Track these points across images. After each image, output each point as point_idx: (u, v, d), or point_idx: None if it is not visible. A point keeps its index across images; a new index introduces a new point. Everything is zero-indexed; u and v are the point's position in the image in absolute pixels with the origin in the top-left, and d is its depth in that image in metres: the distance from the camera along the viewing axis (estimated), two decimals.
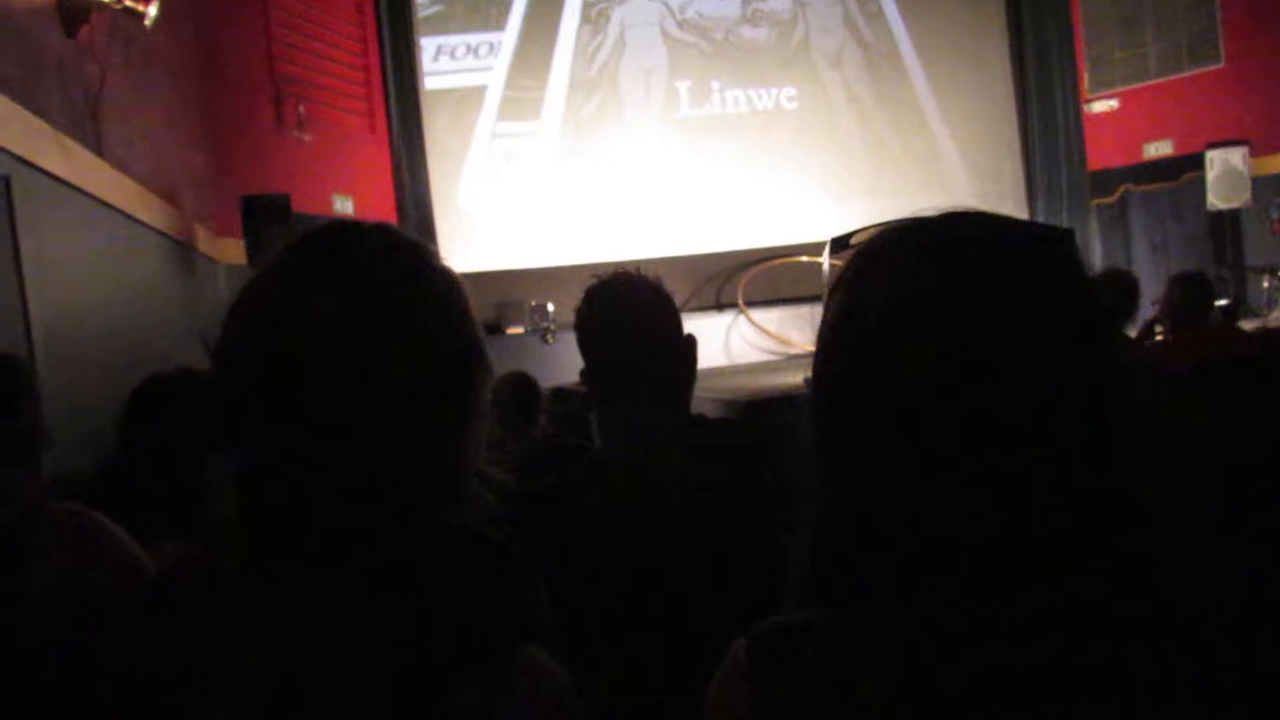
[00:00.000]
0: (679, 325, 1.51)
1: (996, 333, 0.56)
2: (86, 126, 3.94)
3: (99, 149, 3.99)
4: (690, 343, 1.50)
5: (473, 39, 9.47)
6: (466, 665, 0.63)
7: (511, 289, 8.78)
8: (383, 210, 8.20)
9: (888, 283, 0.61)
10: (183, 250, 5.18)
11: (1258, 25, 8.80)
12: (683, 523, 1.26)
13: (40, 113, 3.37)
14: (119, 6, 4.11)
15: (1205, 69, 9.19)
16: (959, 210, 0.65)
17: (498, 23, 9.55)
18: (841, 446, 0.61)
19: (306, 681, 0.62)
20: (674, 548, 1.25)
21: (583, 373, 1.50)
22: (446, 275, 0.78)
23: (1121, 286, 3.42)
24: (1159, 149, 9.54)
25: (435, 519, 0.71)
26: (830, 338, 0.64)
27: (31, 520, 1.31)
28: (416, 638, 0.63)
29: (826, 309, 0.66)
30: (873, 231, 0.69)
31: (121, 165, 4.23)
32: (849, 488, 0.60)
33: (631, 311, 1.46)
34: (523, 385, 3.35)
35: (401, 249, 0.76)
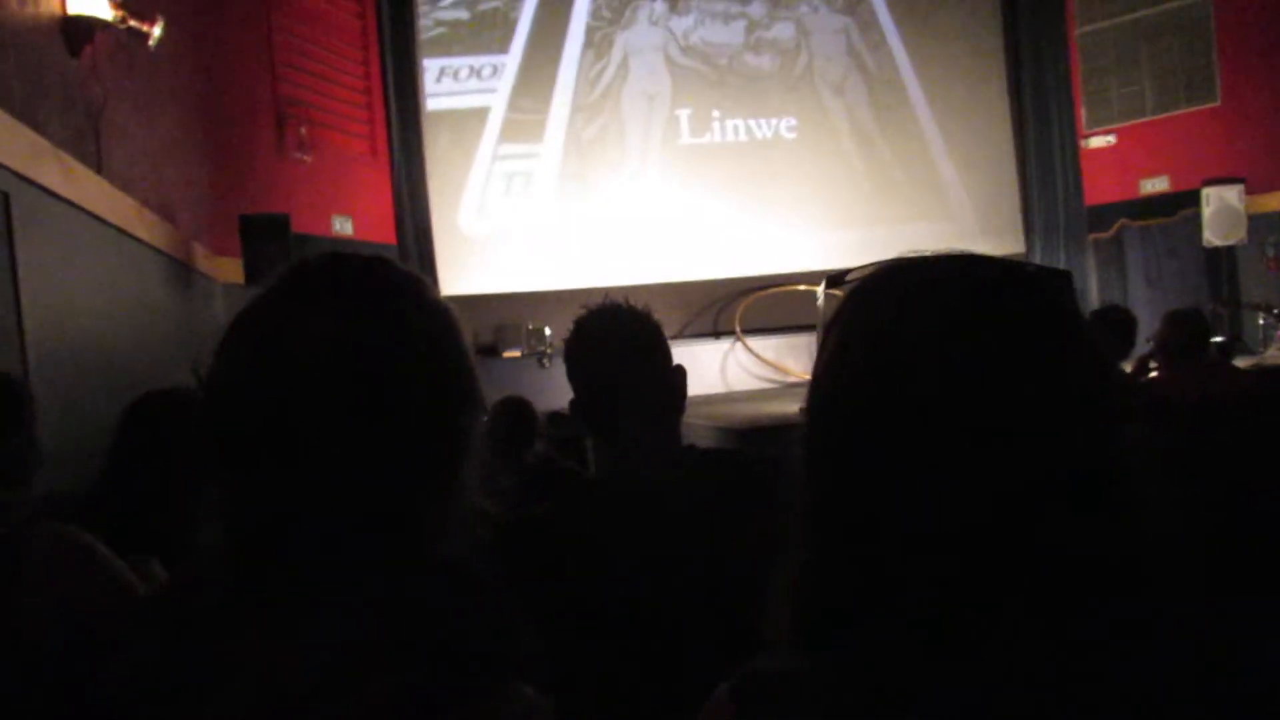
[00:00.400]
0: (668, 356, 1.50)
1: (990, 371, 0.56)
2: (88, 144, 3.95)
3: (99, 167, 4.00)
4: (679, 374, 1.50)
5: (475, 61, 9.53)
6: (449, 699, 0.62)
7: (509, 312, 8.79)
8: (382, 231, 8.22)
9: (883, 318, 0.61)
10: (181, 268, 5.19)
11: (1254, 64, 8.89)
12: (674, 552, 1.25)
13: (41, 130, 3.38)
14: (123, 27, 4.14)
15: (1202, 106, 9.27)
16: (956, 251, 0.65)
17: (501, 46, 9.62)
18: (832, 484, 0.61)
19: (289, 710, 0.61)
20: (665, 576, 1.24)
21: (572, 403, 1.50)
22: (441, 308, 0.77)
23: (1117, 322, 3.43)
24: (1156, 185, 9.60)
25: (425, 551, 0.70)
26: (825, 372, 0.63)
27: (21, 540, 1.30)
28: (399, 670, 0.62)
29: (822, 345, 0.66)
30: (870, 269, 0.69)
31: (122, 183, 4.24)
32: (837, 528, 0.60)
33: (620, 343, 1.46)
34: (517, 410, 3.34)
35: (397, 281, 0.76)
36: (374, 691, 0.61)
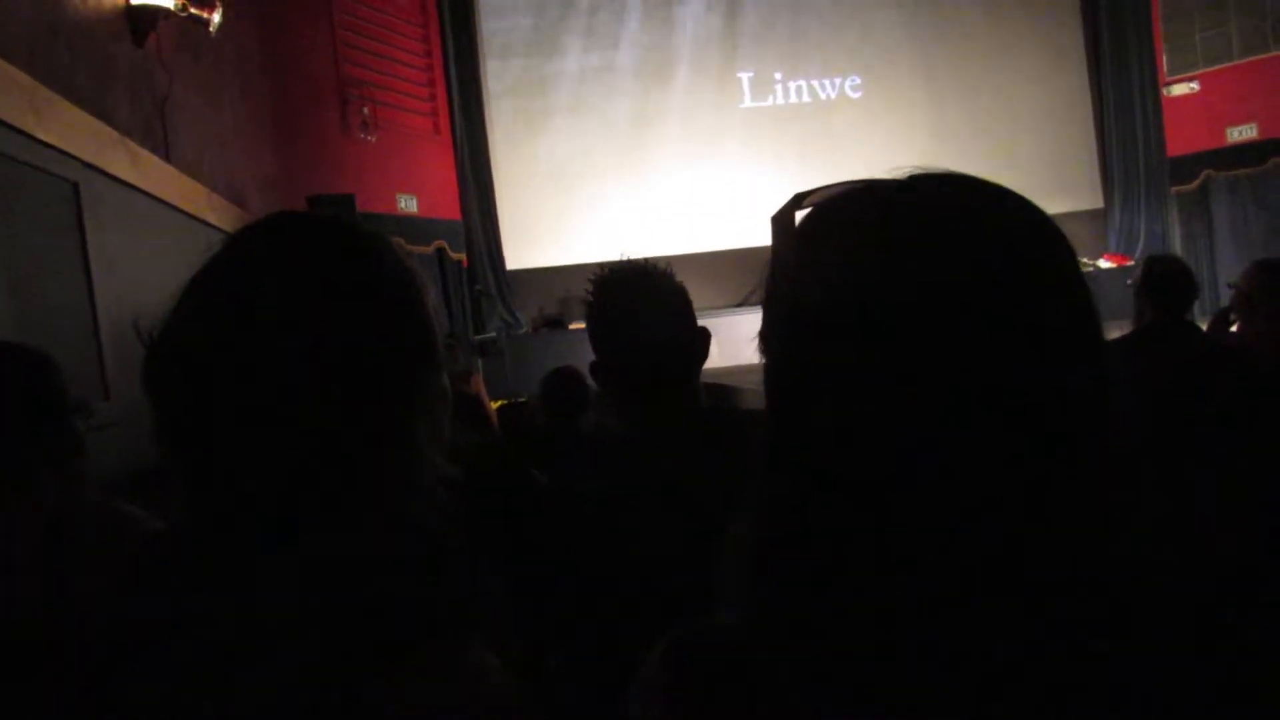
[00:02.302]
0: (692, 319, 1.48)
1: (964, 297, 0.52)
2: (154, 132, 4.06)
3: (166, 153, 4.11)
4: (703, 337, 1.48)
5: (537, 36, 9.53)
6: (393, 659, 0.62)
7: (574, 283, 8.81)
8: (446, 208, 8.31)
9: (854, 238, 0.57)
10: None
11: None
12: (683, 512, 1.24)
13: (109, 120, 3.48)
14: (185, 14, 4.22)
15: None
16: (924, 170, 0.61)
17: (562, 19, 9.59)
18: (789, 417, 0.58)
19: (231, 667, 0.62)
20: (670, 536, 1.23)
21: (592, 365, 1.49)
22: (402, 268, 0.77)
23: (1169, 270, 3.27)
24: (1242, 133, 9.17)
25: (383, 510, 0.70)
26: (787, 295, 0.60)
27: (64, 518, 1.35)
28: (342, 630, 0.62)
29: (783, 263, 0.62)
30: (836, 188, 0.65)
31: (189, 168, 4.35)
32: (790, 469, 0.57)
33: (644, 307, 1.43)
34: (568, 379, 3.36)
35: (355, 240, 0.76)
36: (313, 650, 0.61)
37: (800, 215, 0.64)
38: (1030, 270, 0.55)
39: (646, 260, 1.52)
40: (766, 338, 0.61)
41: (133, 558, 0.75)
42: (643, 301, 1.45)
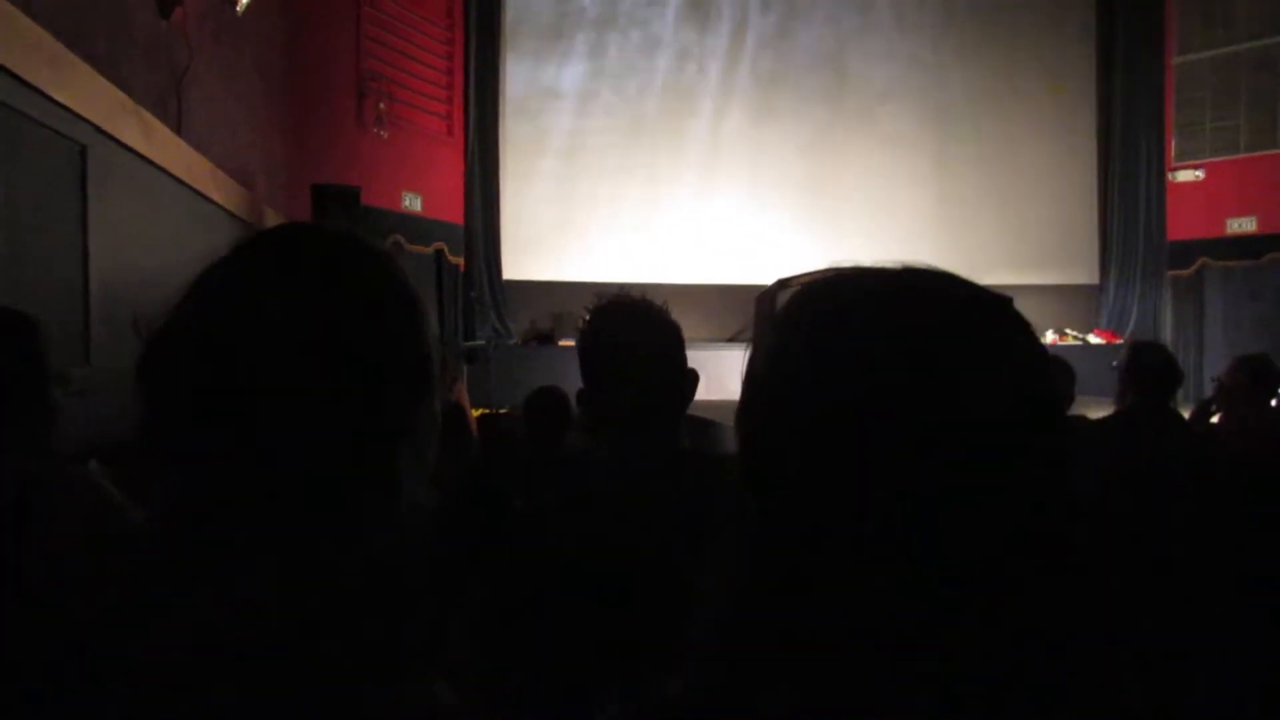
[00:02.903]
0: (683, 360, 1.49)
1: (924, 385, 0.54)
2: (169, 104, 4.07)
3: (179, 127, 4.11)
4: (691, 379, 1.48)
5: (559, 50, 9.59)
6: (343, 692, 0.62)
7: (569, 301, 8.83)
8: (450, 210, 8.32)
9: (823, 325, 0.59)
10: (250, 231, 5.30)
11: None
12: (657, 555, 1.24)
13: (125, 87, 3.48)
14: None
15: None
16: (907, 265, 0.63)
17: (585, 38, 9.66)
18: (761, 487, 0.59)
19: (181, 684, 0.62)
20: (643, 578, 1.24)
21: (580, 394, 1.49)
22: (404, 289, 0.77)
23: (1155, 360, 3.31)
24: (1242, 225, 9.29)
25: (356, 534, 0.70)
26: (761, 372, 0.62)
27: (37, 482, 1.34)
28: (296, 656, 0.62)
29: (758, 344, 0.64)
30: (817, 274, 0.67)
31: (200, 144, 4.35)
32: (761, 548, 0.58)
33: (637, 342, 1.44)
34: (552, 399, 3.36)
35: (363, 257, 0.76)
36: (267, 675, 0.61)
37: (781, 298, 0.66)
38: (990, 376, 0.56)
39: (645, 295, 1.52)
40: (741, 417, 0.63)
41: (110, 550, 0.75)
42: (636, 337, 1.45)
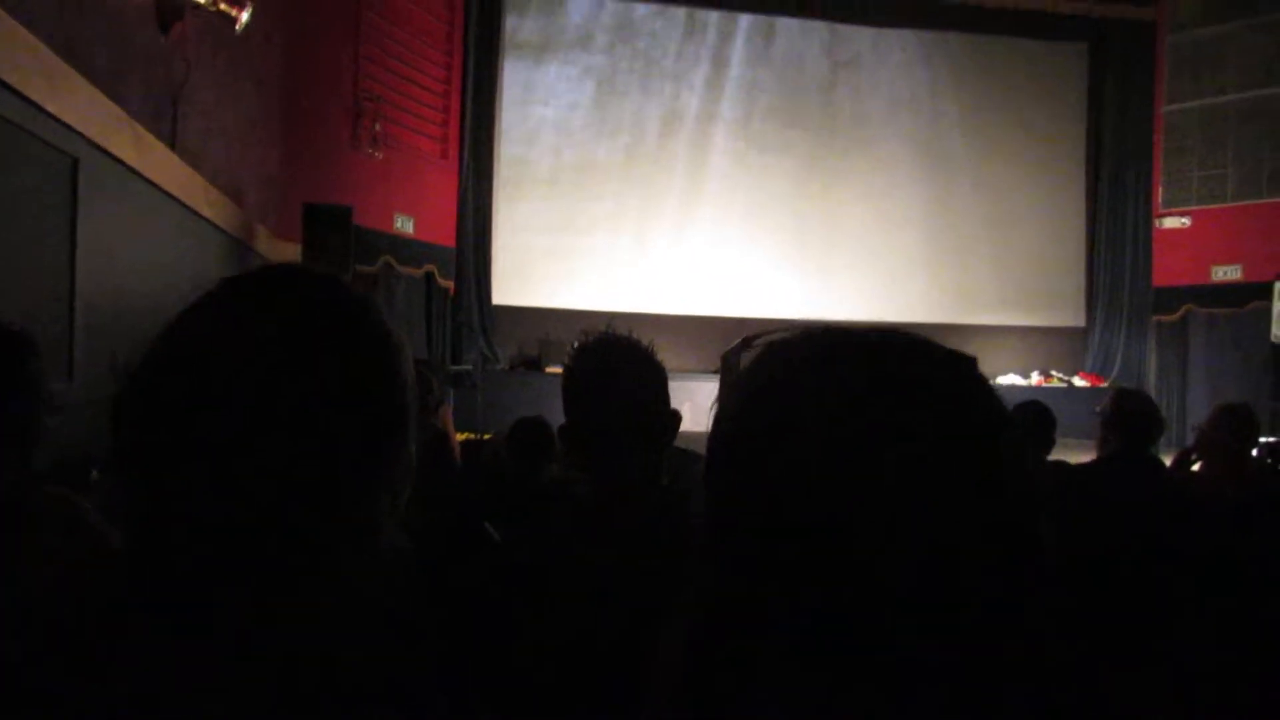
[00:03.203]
0: (666, 400, 1.49)
1: (884, 447, 0.55)
2: (164, 119, 4.07)
3: (173, 141, 4.11)
4: (674, 419, 1.48)
5: (556, 78, 9.65)
6: None
7: (557, 327, 8.84)
8: (442, 233, 8.33)
9: (783, 387, 0.60)
10: (240, 248, 5.30)
11: None
12: (630, 594, 1.24)
13: (121, 100, 3.49)
14: (214, 9, 4.26)
15: None
16: (872, 328, 0.64)
17: (583, 69, 9.73)
18: (723, 556, 0.59)
19: None
20: (615, 618, 1.23)
21: (561, 429, 1.49)
22: (383, 335, 0.76)
23: (1137, 409, 3.34)
24: (1227, 273, 9.38)
25: (332, 578, 0.70)
26: (725, 430, 0.62)
27: (15, 505, 1.33)
28: (280, 697, 0.62)
29: (724, 401, 0.65)
30: (778, 334, 0.68)
31: (193, 159, 4.35)
32: (726, 606, 0.58)
33: (620, 383, 1.44)
34: (533, 430, 3.35)
35: (343, 301, 0.76)
36: (242, 711, 0.61)
37: (745, 358, 0.67)
38: (949, 445, 0.57)
39: (631, 334, 1.53)
40: (707, 471, 0.63)
41: (83, 579, 0.74)
42: (620, 377, 1.45)
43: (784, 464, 0.55)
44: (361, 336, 0.75)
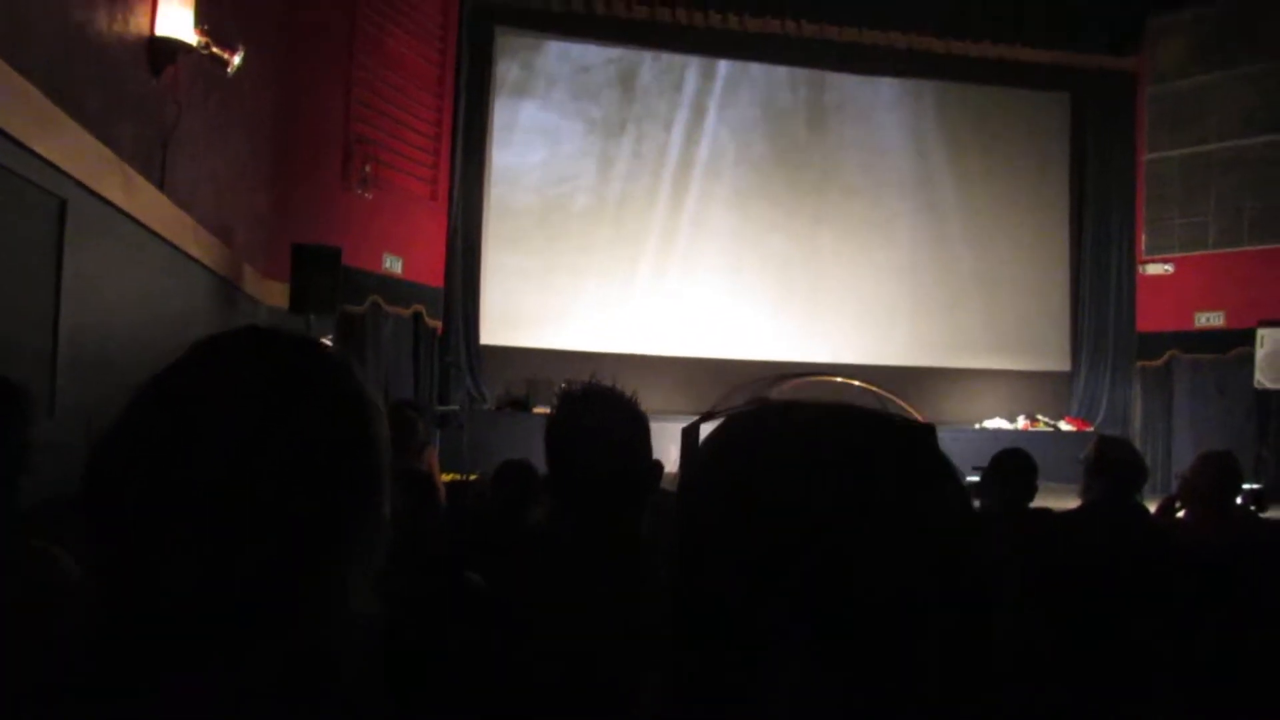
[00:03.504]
0: (647, 449, 1.50)
1: (842, 520, 0.56)
2: (154, 160, 4.08)
3: (162, 182, 4.12)
4: (654, 470, 1.49)
5: (546, 124, 9.74)
6: None
7: (545, 368, 8.84)
8: (430, 274, 8.35)
9: (738, 462, 0.61)
10: (228, 288, 5.30)
11: None
12: (608, 647, 1.23)
13: (111, 142, 3.50)
14: (206, 52, 4.29)
15: (1265, 246, 9.16)
16: (823, 402, 0.65)
17: (575, 110, 9.83)
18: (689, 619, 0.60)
19: None
20: (592, 670, 1.22)
21: (545, 479, 1.50)
22: (358, 400, 0.76)
23: (1121, 457, 3.36)
24: (1211, 319, 9.47)
25: (297, 646, 0.69)
26: (682, 508, 0.63)
27: None
28: None
29: (683, 480, 0.66)
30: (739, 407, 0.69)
31: (182, 200, 4.37)
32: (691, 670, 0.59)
33: (603, 433, 1.45)
34: (518, 472, 3.34)
35: (313, 367, 0.76)
36: None
37: (704, 432, 0.69)
38: (905, 522, 0.58)
39: (615, 383, 1.55)
40: (674, 541, 0.64)
41: (54, 635, 0.74)
42: (602, 428, 1.47)
43: (743, 537, 0.56)
44: (336, 399, 0.75)
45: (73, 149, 3.13)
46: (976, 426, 9.96)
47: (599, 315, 9.64)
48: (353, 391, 0.77)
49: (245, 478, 0.68)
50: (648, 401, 1.62)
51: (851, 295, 10.14)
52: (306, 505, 0.70)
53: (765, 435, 0.62)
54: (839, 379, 9.75)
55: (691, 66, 10.07)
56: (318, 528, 0.71)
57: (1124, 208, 10.18)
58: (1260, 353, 8.57)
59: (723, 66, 10.12)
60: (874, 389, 9.86)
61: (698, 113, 10.08)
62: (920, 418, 9.55)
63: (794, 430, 0.62)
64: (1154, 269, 9.92)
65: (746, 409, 0.66)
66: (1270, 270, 9.10)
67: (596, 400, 1.50)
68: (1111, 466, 3.27)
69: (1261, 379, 8.56)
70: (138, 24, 3.87)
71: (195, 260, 4.58)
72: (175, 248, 4.27)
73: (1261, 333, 8.58)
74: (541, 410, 8.45)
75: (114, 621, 0.69)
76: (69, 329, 3.15)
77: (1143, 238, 10.03)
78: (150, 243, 3.98)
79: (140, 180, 3.79)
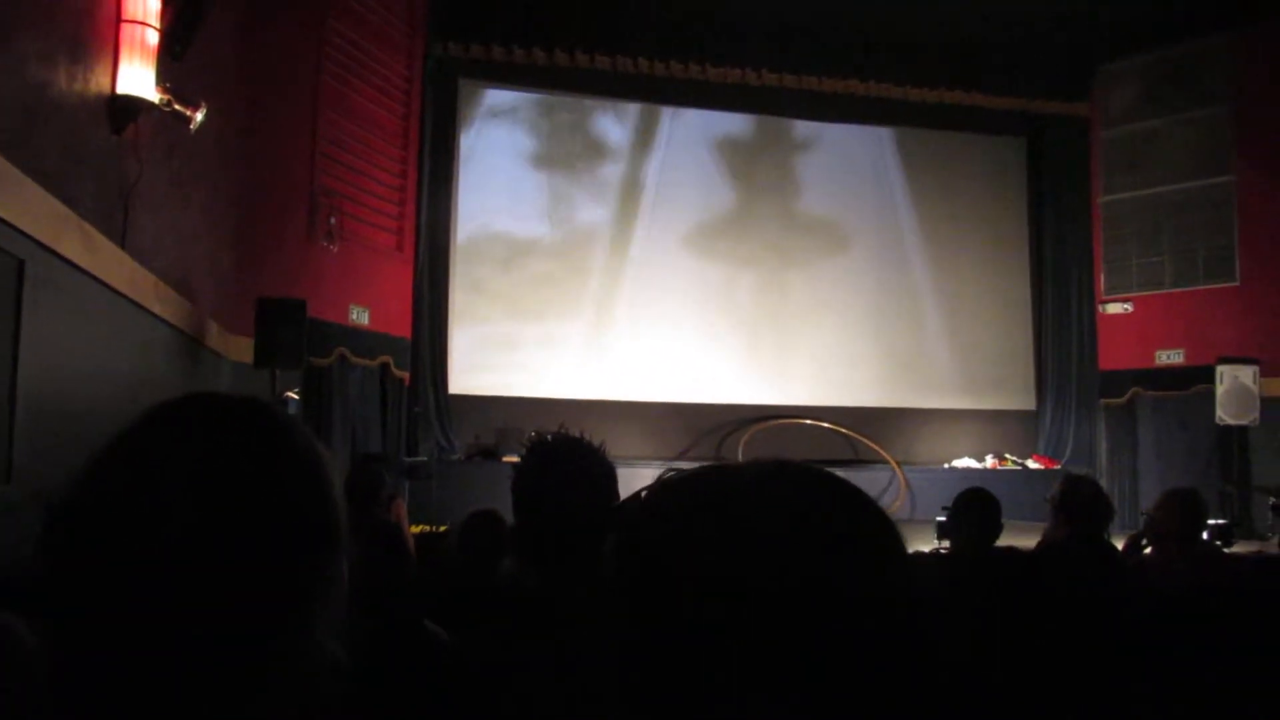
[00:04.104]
0: (615, 498, 1.49)
1: (776, 582, 0.57)
2: (115, 218, 4.06)
3: (123, 240, 4.09)
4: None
5: (509, 172, 9.80)
6: None
7: (514, 416, 8.80)
8: (398, 325, 8.32)
9: (673, 528, 0.62)
10: (191, 344, 5.25)
11: (1274, 248, 8.99)
12: (573, 691, 1.22)
13: (71, 201, 3.48)
14: (168, 109, 4.29)
15: (1220, 285, 9.36)
16: (758, 462, 0.66)
17: (537, 159, 9.91)
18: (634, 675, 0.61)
19: None
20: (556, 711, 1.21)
21: (512, 527, 1.51)
22: (305, 456, 0.77)
23: (1086, 494, 3.40)
24: (1171, 357, 9.62)
25: (263, 698, 0.69)
26: (624, 565, 0.64)
27: None
28: None
29: (619, 543, 0.67)
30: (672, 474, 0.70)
31: (143, 257, 4.33)
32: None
33: (570, 484, 1.45)
34: (485, 522, 3.31)
35: (261, 427, 0.76)
36: None
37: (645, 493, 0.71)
38: (821, 572, 0.59)
39: (582, 436, 1.55)
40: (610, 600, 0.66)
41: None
42: (569, 479, 1.47)
43: (674, 598, 0.57)
44: (286, 459, 0.76)
45: (31, 208, 3.10)
46: (946, 466, 10.02)
47: (568, 362, 9.64)
48: (302, 451, 0.77)
49: (199, 545, 0.68)
50: (617, 448, 1.63)
51: (819, 338, 10.22)
52: (262, 569, 0.70)
53: (695, 499, 0.64)
54: (808, 421, 9.81)
55: (654, 115, 10.21)
56: (274, 591, 0.71)
57: (1082, 248, 10.38)
58: (1221, 389, 8.71)
59: (686, 115, 10.27)
60: (842, 430, 9.93)
61: (661, 161, 10.19)
62: (889, 458, 9.62)
63: (721, 492, 0.63)
64: (1114, 308, 10.10)
65: (677, 475, 0.68)
66: (1225, 308, 9.30)
67: (564, 451, 1.50)
68: (1078, 504, 3.29)
69: (1223, 415, 8.70)
70: (98, 83, 3.87)
71: (157, 317, 4.54)
72: (137, 305, 4.23)
73: (1221, 369, 8.74)
74: (511, 459, 8.40)
75: (71, 694, 0.68)
76: (27, 390, 3.10)
77: (1101, 278, 10.21)
78: (111, 301, 3.94)
79: (101, 238, 3.76)
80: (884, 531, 0.63)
